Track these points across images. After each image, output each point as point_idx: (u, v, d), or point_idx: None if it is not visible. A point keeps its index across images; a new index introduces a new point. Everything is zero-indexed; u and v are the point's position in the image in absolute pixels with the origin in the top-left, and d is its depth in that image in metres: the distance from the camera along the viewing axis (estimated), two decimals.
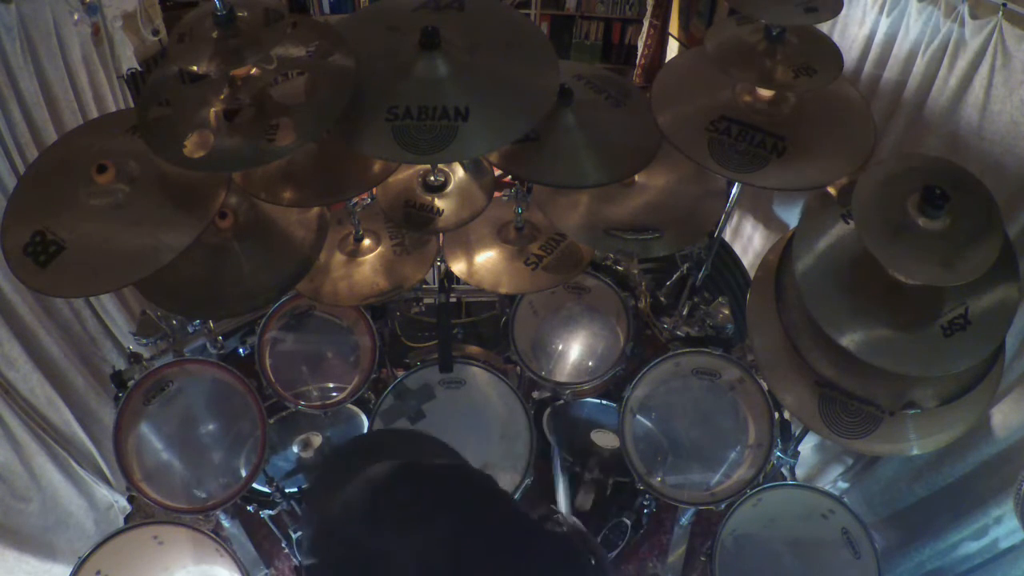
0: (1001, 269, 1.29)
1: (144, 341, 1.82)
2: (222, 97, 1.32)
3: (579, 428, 2.20)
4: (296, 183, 1.54)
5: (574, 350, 2.12)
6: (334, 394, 1.98)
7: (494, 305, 2.33)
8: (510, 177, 1.78)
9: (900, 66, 1.80)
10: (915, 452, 1.55)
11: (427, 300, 2.16)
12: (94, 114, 2.09)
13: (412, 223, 1.76)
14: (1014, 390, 1.65)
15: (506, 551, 0.72)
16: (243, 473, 1.82)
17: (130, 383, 1.71)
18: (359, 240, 1.91)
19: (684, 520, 2.19)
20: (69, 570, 1.61)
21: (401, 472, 0.77)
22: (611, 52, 4.63)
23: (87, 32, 2.02)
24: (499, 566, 0.70)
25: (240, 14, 1.25)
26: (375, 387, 2.06)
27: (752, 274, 1.92)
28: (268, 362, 1.93)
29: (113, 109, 2.18)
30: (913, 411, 1.44)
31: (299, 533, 2.16)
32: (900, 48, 1.77)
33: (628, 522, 2.25)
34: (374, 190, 1.79)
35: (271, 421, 1.89)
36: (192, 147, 1.26)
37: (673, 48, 3.93)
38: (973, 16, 1.53)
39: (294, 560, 2.25)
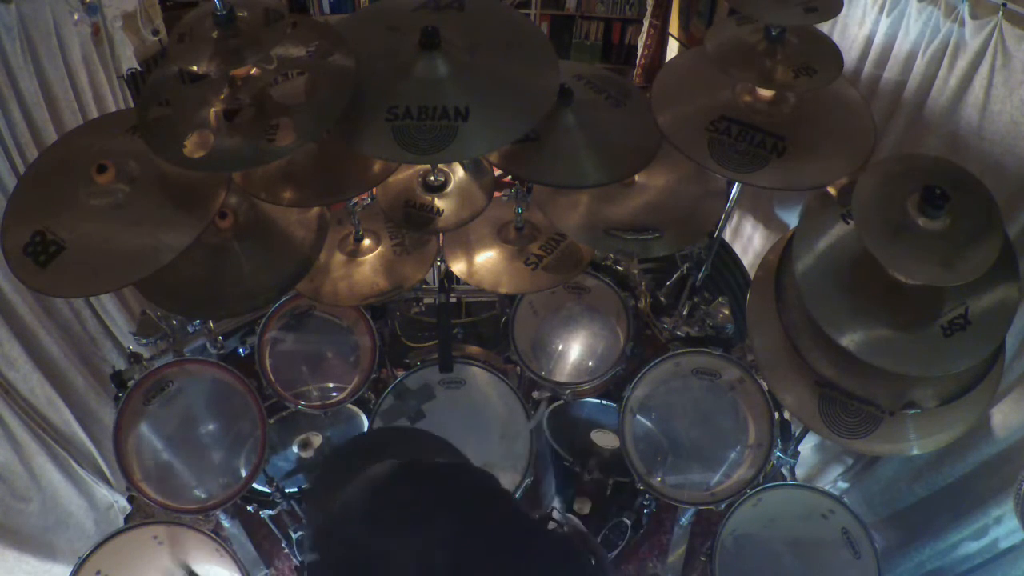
0: (1001, 269, 1.29)
1: (144, 341, 1.82)
2: (222, 97, 1.32)
3: (579, 428, 2.20)
4: (296, 183, 1.54)
5: (574, 350, 2.12)
6: (334, 394, 1.98)
7: (494, 305, 2.33)
8: (510, 177, 1.78)
9: (900, 66, 1.80)
10: (915, 452, 1.55)
11: (427, 300, 2.16)
12: (94, 114, 2.09)
13: (412, 223, 1.76)
14: (1014, 390, 1.65)
15: (506, 551, 0.72)
16: (243, 473, 1.82)
17: (130, 383, 1.71)
18: (359, 240, 1.91)
19: (684, 520, 2.19)
20: (69, 570, 1.61)
21: (402, 471, 0.77)
22: (611, 52, 4.63)
23: (87, 32, 2.02)
24: (499, 566, 0.70)
25: (240, 14, 1.25)
26: (375, 387, 2.06)
27: (752, 274, 1.92)
28: (268, 362, 1.93)
29: (113, 109, 2.18)
30: (913, 411, 1.44)
31: (299, 533, 2.16)
32: (900, 48, 1.77)
33: (628, 522, 2.25)
34: (374, 190, 1.79)
35: (271, 421, 1.89)
36: (192, 147, 1.26)
37: (673, 48, 3.93)
38: (973, 16, 1.53)
39: (294, 560, 2.25)
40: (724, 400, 1.88)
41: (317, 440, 2.11)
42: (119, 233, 1.29)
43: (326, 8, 4.35)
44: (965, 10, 1.54)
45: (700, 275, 2.11)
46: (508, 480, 1.87)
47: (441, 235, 1.91)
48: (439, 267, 2.01)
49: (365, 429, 2.09)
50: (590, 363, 2.08)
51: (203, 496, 1.77)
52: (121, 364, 1.92)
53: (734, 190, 1.81)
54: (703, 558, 2.01)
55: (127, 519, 2.44)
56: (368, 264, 1.90)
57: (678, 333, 2.02)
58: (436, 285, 2.12)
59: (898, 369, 1.31)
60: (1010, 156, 1.55)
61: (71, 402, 2.12)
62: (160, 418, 1.78)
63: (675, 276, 2.21)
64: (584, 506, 2.22)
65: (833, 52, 1.53)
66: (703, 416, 1.91)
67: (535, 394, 2.13)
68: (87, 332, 2.29)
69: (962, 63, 1.59)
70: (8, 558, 1.97)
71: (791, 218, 2.42)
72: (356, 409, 2.15)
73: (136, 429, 1.73)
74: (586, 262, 1.92)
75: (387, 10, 1.53)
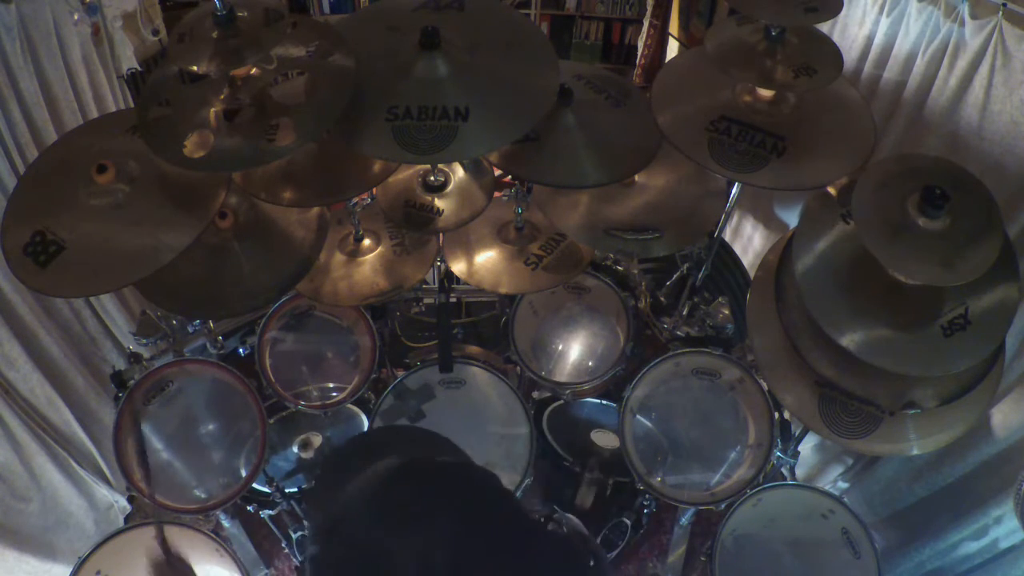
0: (1001, 269, 1.29)
1: (144, 341, 1.82)
2: (222, 97, 1.31)
3: (579, 428, 2.20)
4: (296, 183, 1.54)
5: (574, 350, 2.12)
6: (334, 394, 1.98)
7: (494, 305, 2.33)
8: (510, 177, 1.78)
9: (900, 66, 1.80)
10: (915, 452, 1.55)
11: (427, 300, 2.16)
12: (94, 114, 2.09)
13: (412, 223, 1.76)
14: (1014, 390, 1.65)
15: (506, 551, 0.72)
16: (243, 473, 1.82)
17: (130, 383, 1.71)
18: (359, 240, 1.91)
19: (684, 520, 2.19)
20: (69, 570, 1.61)
21: (405, 469, 0.77)
22: (611, 52, 4.63)
23: (87, 32, 2.02)
24: (499, 566, 0.70)
25: (240, 14, 1.25)
26: (375, 387, 2.06)
27: (752, 274, 1.92)
28: (268, 362, 1.93)
29: (113, 109, 2.18)
30: (913, 411, 1.44)
31: (299, 534, 2.16)
32: (900, 48, 1.78)
33: (628, 522, 2.25)
34: (374, 190, 1.79)
35: (271, 421, 1.89)
36: (192, 147, 1.26)
37: (673, 48, 3.93)
38: (973, 16, 1.53)
39: (294, 560, 2.25)
40: (724, 400, 1.88)
41: (317, 440, 2.11)
42: (119, 233, 1.29)
43: (326, 8, 4.35)
44: (965, 10, 1.54)
45: (700, 275, 2.11)
46: (508, 480, 1.88)
47: (441, 235, 1.91)
48: (439, 267, 2.01)
49: (365, 429, 2.09)
50: (590, 363, 2.08)
51: (203, 496, 1.78)
52: (121, 364, 1.92)
53: (734, 190, 1.81)
54: (703, 558, 2.01)
55: (127, 519, 2.44)
56: (368, 264, 1.90)
57: (678, 333, 2.02)
58: (436, 285, 2.12)
59: (898, 369, 1.31)
60: (1010, 156, 1.55)
61: (71, 402, 2.12)
62: (160, 418, 1.78)
63: (675, 276, 2.21)
64: (587, 499, 2.20)
65: (833, 52, 1.53)
66: (703, 416, 1.91)
67: (535, 394, 2.13)
68: (87, 332, 2.29)
69: (962, 63, 1.59)
70: (8, 558, 1.97)
71: (791, 218, 2.42)
72: (356, 409, 2.15)
73: (136, 429, 1.73)
74: (586, 262, 1.92)
75: (387, 10, 1.53)
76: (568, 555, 0.83)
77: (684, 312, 2.18)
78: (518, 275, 1.88)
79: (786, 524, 1.79)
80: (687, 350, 1.86)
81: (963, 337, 1.30)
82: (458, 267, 1.92)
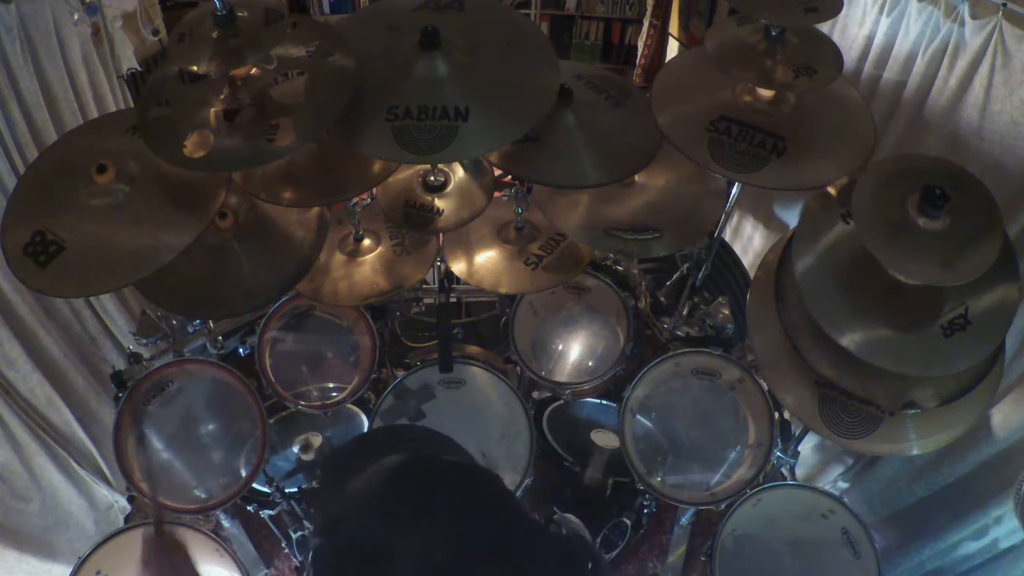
0: (1001, 269, 1.29)
1: (144, 341, 1.82)
2: (222, 97, 1.32)
3: (579, 428, 2.20)
4: (296, 183, 1.54)
5: (574, 350, 2.12)
6: (334, 394, 1.98)
7: (494, 305, 2.33)
8: (510, 177, 1.78)
9: (900, 66, 1.80)
10: (915, 452, 1.55)
11: (427, 300, 2.16)
12: (94, 114, 2.09)
13: (412, 223, 1.76)
14: (1014, 390, 1.65)
15: (507, 551, 0.72)
16: (243, 473, 1.82)
17: (130, 383, 1.71)
18: (359, 240, 1.91)
19: (684, 520, 2.19)
20: (69, 570, 1.61)
21: (407, 468, 0.78)
22: (611, 52, 4.62)
23: (87, 32, 2.02)
24: (499, 566, 0.70)
25: (240, 14, 1.25)
26: (375, 387, 2.06)
27: (752, 274, 1.92)
28: (268, 362, 1.93)
29: (113, 109, 2.18)
30: (913, 411, 1.44)
31: (299, 534, 2.16)
32: (900, 48, 1.78)
33: (628, 522, 2.25)
34: (374, 190, 1.79)
35: (271, 421, 1.89)
36: (192, 147, 1.26)
37: (673, 48, 3.93)
38: (973, 16, 1.53)
39: (294, 560, 2.25)
40: (724, 400, 1.88)
41: (317, 440, 2.10)
42: (119, 233, 1.29)
43: (326, 8, 4.35)
44: (965, 10, 1.54)
45: (700, 275, 2.11)
46: (508, 480, 1.87)
47: (441, 235, 1.91)
48: (439, 267, 2.01)
49: (365, 429, 2.09)
50: (590, 363, 2.08)
51: (203, 496, 1.78)
52: (121, 364, 1.92)
53: (734, 190, 1.81)
54: (703, 558, 2.01)
55: (127, 519, 2.44)
56: (368, 264, 1.90)
57: (678, 333, 2.02)
58: (436, 285, 2.12)
59: (898, 369, 1.31)
60: (1010, 156, 1.55)
61: (71, 402, 2.12)
62: (160, 418, 1.78)
63: (675, 276, 2.21)
64: (609, 441, 2.11)
65: (833, 52, 1.53)
66: (703, 416, 1.91)
67: (535, 394, 2.13)
68: (87, 332, 2.29)
69: (962, 63, 1.59)
70: (8, 558, 1.97)
71: (791, 218, 2.42)
72: (356, 409, 2.16)
73: (136, 429, 1.73)
74: (586, 262, 1.93)
75: (387, 10, 1.53)
76: (567, 556, 0.84)
77: (684, 312, 2.18)
78: (518, 275, 1.88)
79: (786, 524, 1.79)
80: (687, 350, 1.86)
81: (963, 337, 1.30)
82: (458, 267, 1.92)
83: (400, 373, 2.05)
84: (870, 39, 1.86)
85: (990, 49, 1.51)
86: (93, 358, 2.31)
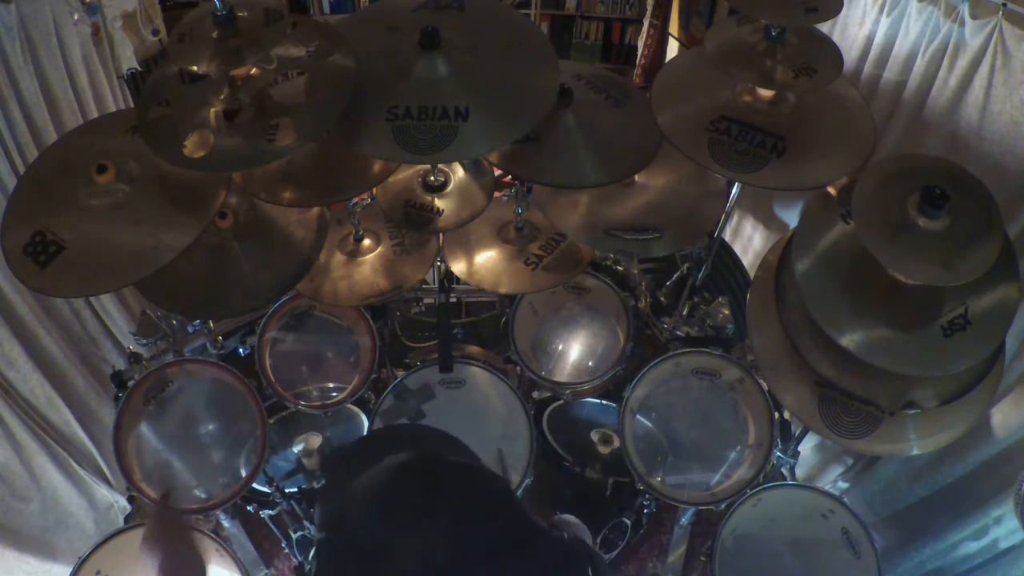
0: (1001, 269, 1.28)
1: (144, 341, 1.82)
2: (222, 97, 1.32)
3: (579, 428, 2.20)
4: (296, 183, 1.54)
5: (574, 350, 2.12)
6: (334, 394, 1.98)
7: (494, 305, 2.33)
8: (510, 177, 1.78)
9: (900, 66, 1.80)
10: (915, 452, 1.55)
11: (427, 300, 2.16)
12: (94, 114, 2.09)
13: (412, 223, 1.76)
14: (1014, 390, 1.65)
15: (507, 553, 0.72)
16: (243, 473, 1.82)
17: (130, 383, 1.71)
18: (359, 240, 1.91)
19: (684, 520, 2.19)
20: (69, 570, 1.61)
21: (409, 467, 0.78)
22: (611, 52, 4.63)
23: (87, 32, 2.02)
24: (499, 567, 0.70)
25: (240, 14, 1.25)
26: (375, 387, 2.06)
27: (752, 274, 1.92)
28: (268, 362, 1.93)
29: (113, 109, 2.18)
30: (913, 411, 1.44)
31: (299, 534, 2.16)
32: (900, 48, 1.78)
33: (628, 522, 2.25)
34: (374, 190, 1.79)
35: (271, 421, 1.89)
36: (192, 147, 1.26)
37: (673, 48, 3.93)
38: (973, 16, 1.53)
39: (294, 560, 2.25)
40: (724, 400, 1.88)
41: (317, 440, 2.10)
42: (119, 233, 1.29)
43: (326, 8, 4.35)
44: (965, 10, 1.54)
45: (700, 275, 2.11)
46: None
47: (441, 235, 1.91)
48: (439, 267, 2.01)
49: (365, 429, 2.09)
50: (590, 363, 2.08)
51: (203, 496, 1.77)
52: (121, 364, 1.92)
53: (734, 190, 1.81)
54: (703, 558, 2.01)
55: (127, 519, 2.44)
56: (368, 264, 1.90)
57: (678, 333, 2.02)
58: (436, 285, 2.12)
59: (898, 369, 1.31)
60: (1010, 156, 1.55)
61: (71, 402, 2.12)
62: (160, 418, 1.78)
63: (675, 276, 2.21)
64: (594, 471, 2.11)
65: (833, 52, 1.53)
66: (703, 416, 1.91)
67: (535, 394, 2.13)
68: (87, 332, 2.29)
69: (962, 63, 1.59)
70: (8, 558, 1.97)
71: (791, 218, 2.42)
72: (356, 409, 2.15)
73: (136, 429, 1.73)
74: (586, 262, 1.93)
75: (387, 10, 1.53)
76: (568, 558, 0.84)
77: (684, 312, 2.18)
78: (518, 275, 1.88)
79: (786, 524, 1.79)
80: (687, 350, 1.86)
81: (963, 337, 1.30)
82: (458, 267, 1.92)
83: (400, 373, 2.05)
84: (870, 39, 1.86)
85: (990, 49, 1.51)
86: (93, 358, 2.31)
